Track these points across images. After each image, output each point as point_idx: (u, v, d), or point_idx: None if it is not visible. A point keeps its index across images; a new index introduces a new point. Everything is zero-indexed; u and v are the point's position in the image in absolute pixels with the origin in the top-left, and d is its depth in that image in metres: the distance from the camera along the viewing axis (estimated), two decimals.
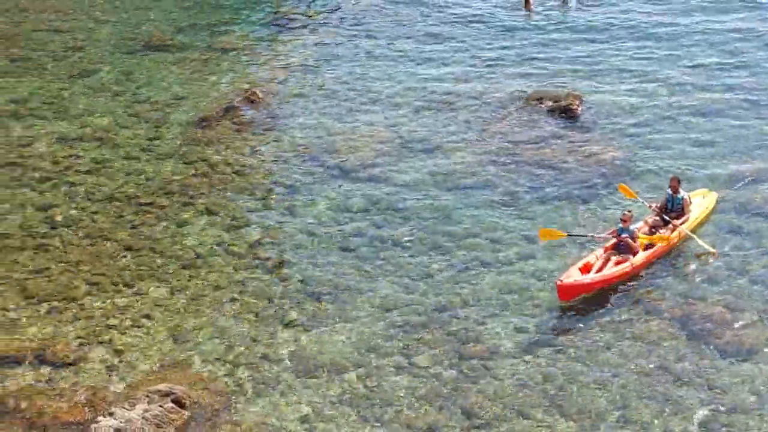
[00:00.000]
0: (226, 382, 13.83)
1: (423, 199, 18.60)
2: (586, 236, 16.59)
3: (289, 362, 14.28)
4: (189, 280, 16.36)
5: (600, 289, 15.57)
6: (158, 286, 16.18)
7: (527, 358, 14.21)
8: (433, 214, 18.05)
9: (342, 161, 20.12)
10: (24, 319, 15.29)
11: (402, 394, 13.69)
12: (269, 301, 15.77)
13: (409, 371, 14.13)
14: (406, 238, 17.40)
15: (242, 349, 14.61)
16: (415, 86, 23.42)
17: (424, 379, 13.94)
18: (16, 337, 14.82)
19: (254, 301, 15.77)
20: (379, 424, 13.19)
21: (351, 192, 19.05)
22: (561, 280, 15.20)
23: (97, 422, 12.57)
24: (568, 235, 16.50)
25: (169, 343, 14.77)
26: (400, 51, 25.63)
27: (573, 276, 15.48)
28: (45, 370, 14.15)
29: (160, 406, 12.87)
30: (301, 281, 16.24)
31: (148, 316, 15.40)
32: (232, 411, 13.28)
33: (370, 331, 15.03)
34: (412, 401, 13.56)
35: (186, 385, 13.45)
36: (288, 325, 15.17)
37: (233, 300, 15.79)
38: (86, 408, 13.15)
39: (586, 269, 15.81)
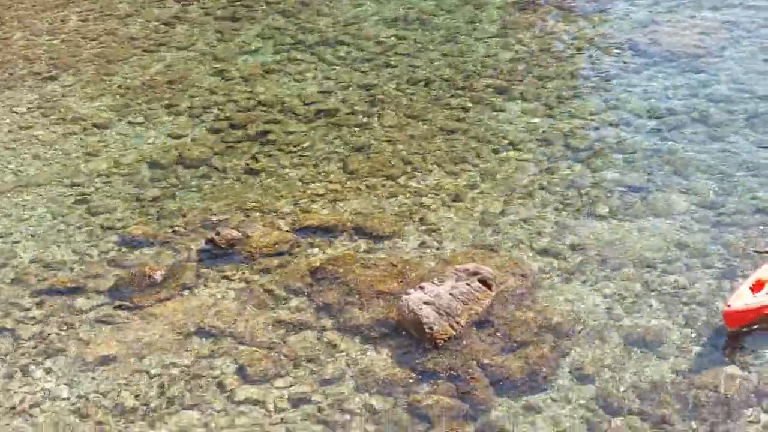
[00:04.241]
0: (531, 268, 14.02)
1: (748, 96, 17.61)
2: None
3: (595, 253, 14.23)
4: (500, 165, 16.55)
5: None
6: (470, 170, 16.50)
7: None
8: (759, 106, 17.11)
9: (663, 50, 19.38)
10: (345, 193, 16.19)
11: (713, 295, 13.26)
12: (579, 191, 15.69)
13: (720, 269, 13.69)
14: (726, 131, 16.66)
15: (548, 237, 14.70)
16: None
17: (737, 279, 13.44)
18: (337, 208, 15.75)
19: (564, 190, 15.74)
20: (683, 319, 12.96)
21: (669, 83, 18.37)
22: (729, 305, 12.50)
23: (408, 294, 13.12)
24: None
25: (478, 226, 15.12)
26: None
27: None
28: (362, 241, 14.96)
29: (467, 284, 13.23)
30: (614, 173, 16.00)
31: (458, 198, 15.81)
32: (537, 296, 13.48)
33: (681, 228, 14.63)
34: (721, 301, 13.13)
35: (492, 267, 13.75)
36: (596, 216, 15.07)
37: (543, 188, 15.84)
38: (398, 280, 13.81)
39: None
